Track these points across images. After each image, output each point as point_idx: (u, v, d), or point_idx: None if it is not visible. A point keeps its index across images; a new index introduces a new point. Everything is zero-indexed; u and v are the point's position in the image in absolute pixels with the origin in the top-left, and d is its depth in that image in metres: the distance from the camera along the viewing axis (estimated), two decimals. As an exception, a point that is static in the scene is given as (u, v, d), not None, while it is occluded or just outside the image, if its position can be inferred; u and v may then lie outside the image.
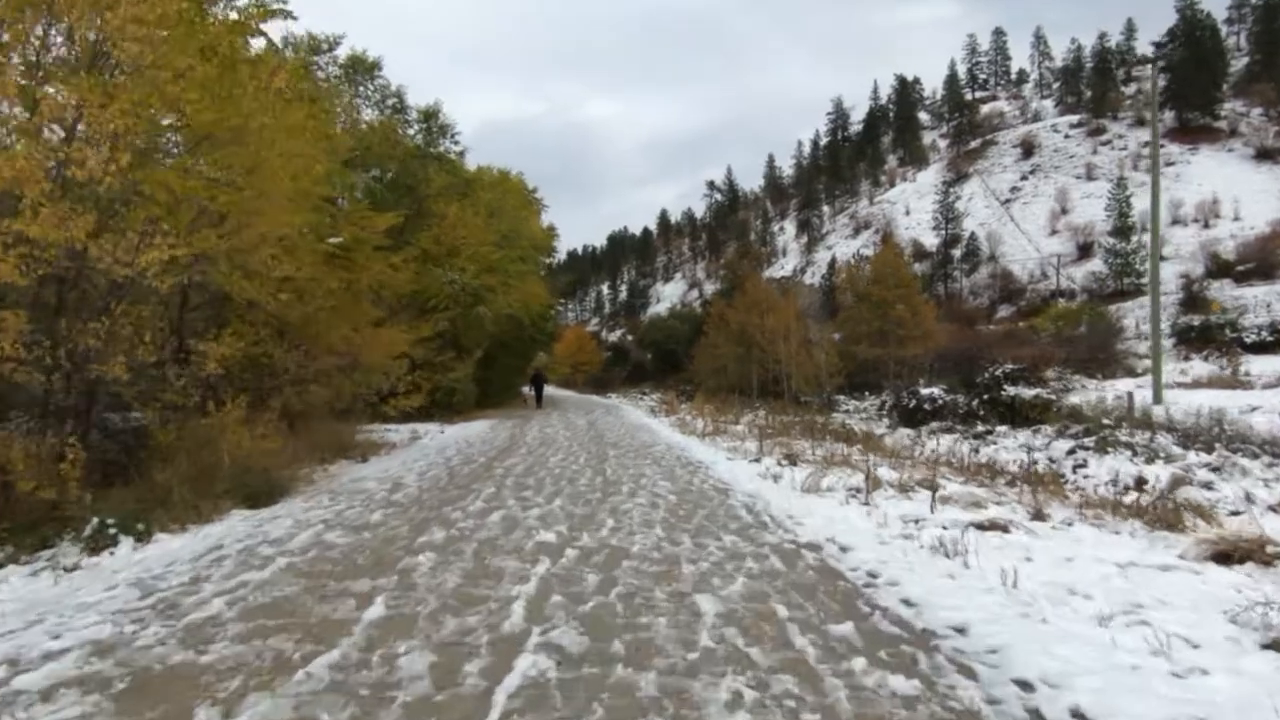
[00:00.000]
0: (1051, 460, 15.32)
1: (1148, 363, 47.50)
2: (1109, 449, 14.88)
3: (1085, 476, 14.13)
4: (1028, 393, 21.98)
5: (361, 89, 22.07)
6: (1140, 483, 13.79)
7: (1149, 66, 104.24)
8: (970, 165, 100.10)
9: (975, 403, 22.74)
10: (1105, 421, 16.76)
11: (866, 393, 36.64)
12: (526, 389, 31.60)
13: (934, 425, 21.22)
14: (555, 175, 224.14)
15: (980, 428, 19.71)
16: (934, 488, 10.16)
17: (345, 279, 12.86)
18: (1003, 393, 22.55)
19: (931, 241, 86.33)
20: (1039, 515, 8.42)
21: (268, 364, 10.85)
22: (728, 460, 12.64)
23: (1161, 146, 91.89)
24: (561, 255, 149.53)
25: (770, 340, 41.62)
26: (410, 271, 21.16)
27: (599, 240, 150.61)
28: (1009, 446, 16.83)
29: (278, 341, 11.16)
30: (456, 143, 24.06)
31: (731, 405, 27.53)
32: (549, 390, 60.61)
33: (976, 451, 17.34)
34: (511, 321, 24.31)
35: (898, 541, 6.69)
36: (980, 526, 7.30)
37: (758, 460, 12.74)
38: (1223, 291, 59.53)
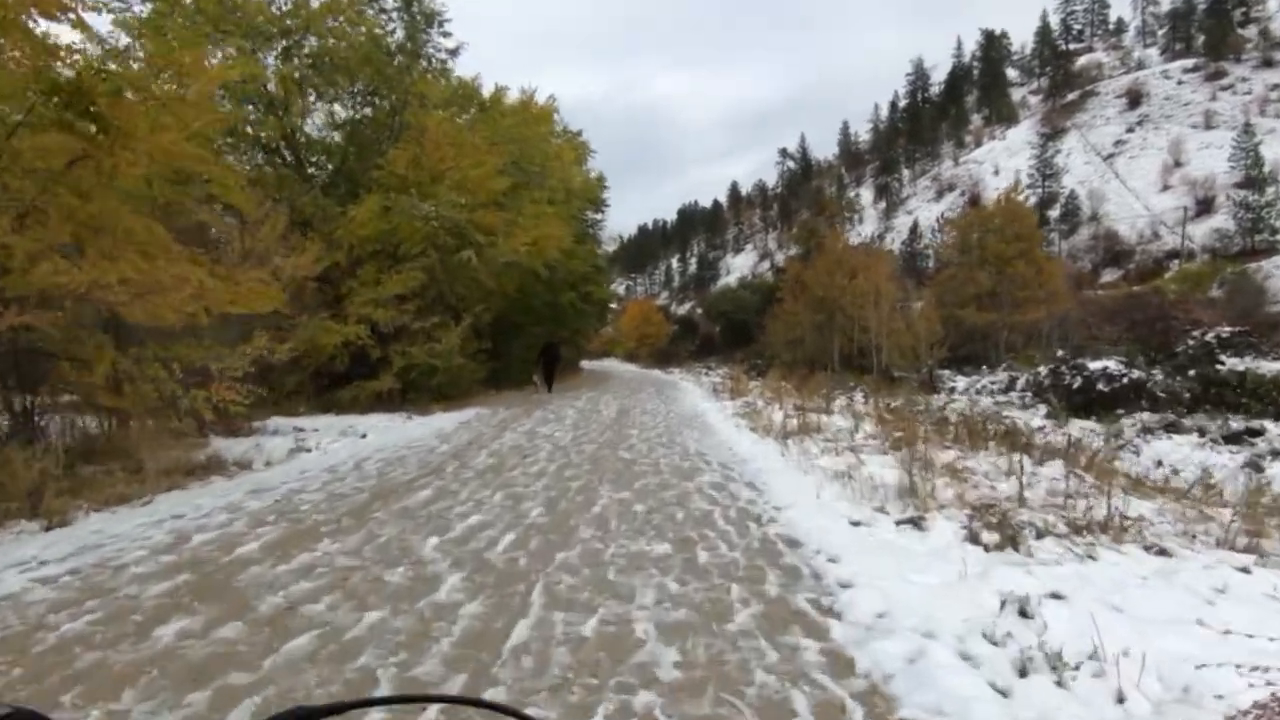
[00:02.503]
0: None
1: (1312, 329, 38.16)
2: None
3: None
4: (1270, 366, 13.98)
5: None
6: None
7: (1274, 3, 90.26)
8: (1068, 119, 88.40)
9: (1177, 380, 14.87)
10: None
11: (983, 366, 28.65)
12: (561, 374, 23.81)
13: (1139, 417, 13.45)
14: (625, 153, 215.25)
15: (1235, 423, 11.92)
16: None
17: (94, 155, 6.18)
18: (1219, 367, 14.63)
19: (1026, 202, 75.91)
20: None
21: None
22: (852, 527, 5.49)
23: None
24: (631, 230, 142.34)
25: (858, 305, 33.86)
26: (375, 205, 14.54)
27: (669, 215, 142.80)
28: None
29: None
30: (447, 34, 17.10)
31: (816, 383, 20.18)
32: (600, 366, 53.76)
33: (1259, 470, 9.69)
34: (520, 273, 17.39)
35: None
36: None
37: (917, 525, 5.58)
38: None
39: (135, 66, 8.60)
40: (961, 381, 27.82)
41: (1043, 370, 21.93)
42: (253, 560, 4.28)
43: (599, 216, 31.67)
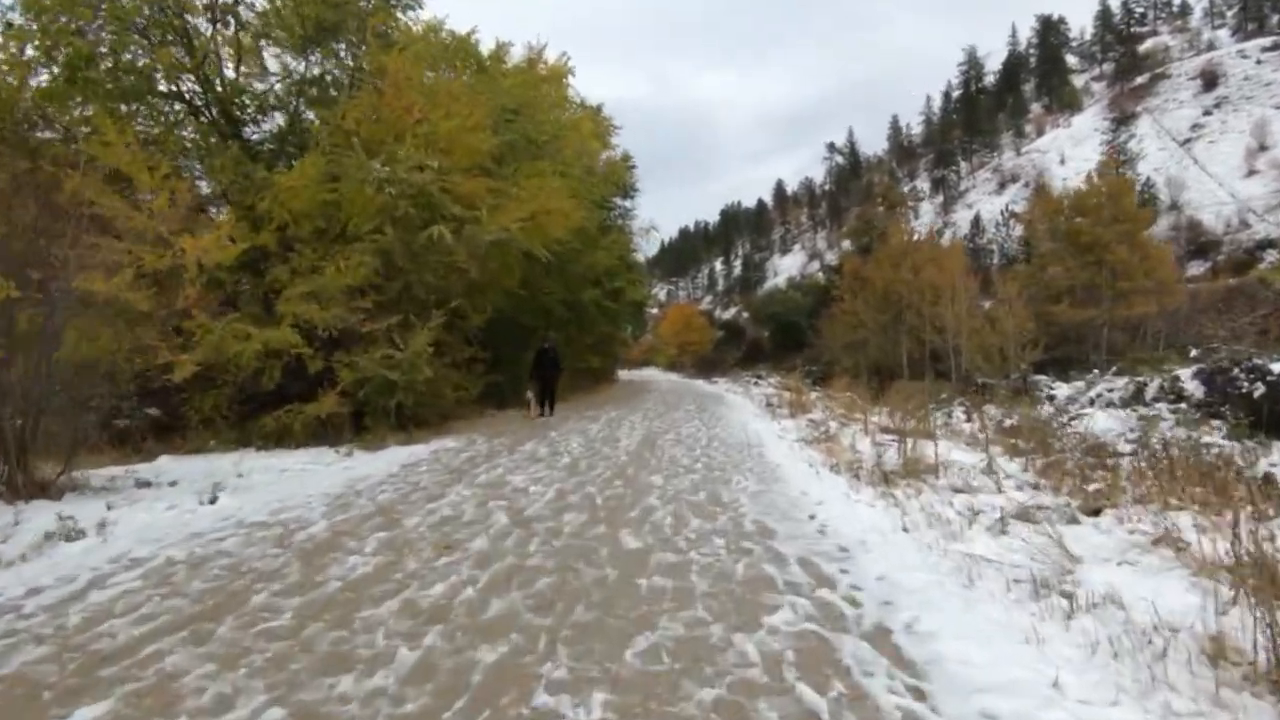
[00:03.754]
0: None
1: None
2: None
3: None
4: None
5: None
6: None
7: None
8: (1137, 104, 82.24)
9: None
10: None
11: (1094, 370, 24.11)
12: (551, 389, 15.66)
13: None
14: (667, 155, 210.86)
15: None
16: None
17: None
18: None
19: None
20: None
21: None
22: None
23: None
24: (672, 232, 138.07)
25: (929, 302, 29.48)
26: (313, 169, 11.00)
27: (711, 217, 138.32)
28: None
29: None
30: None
31: (898, 394, 16.05)
32: (639, 376, 49.08)
33: None
34: (518, 261, 13.68)
35: None
36: None
37: None
38: None
39: None
40: (1063, 389, 23.37)
41: (1184, 374, 17.51)
42: None
43: (628, 203, 27.84)
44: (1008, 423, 13.46)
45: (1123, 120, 77.78)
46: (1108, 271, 26.83)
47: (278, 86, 12.44)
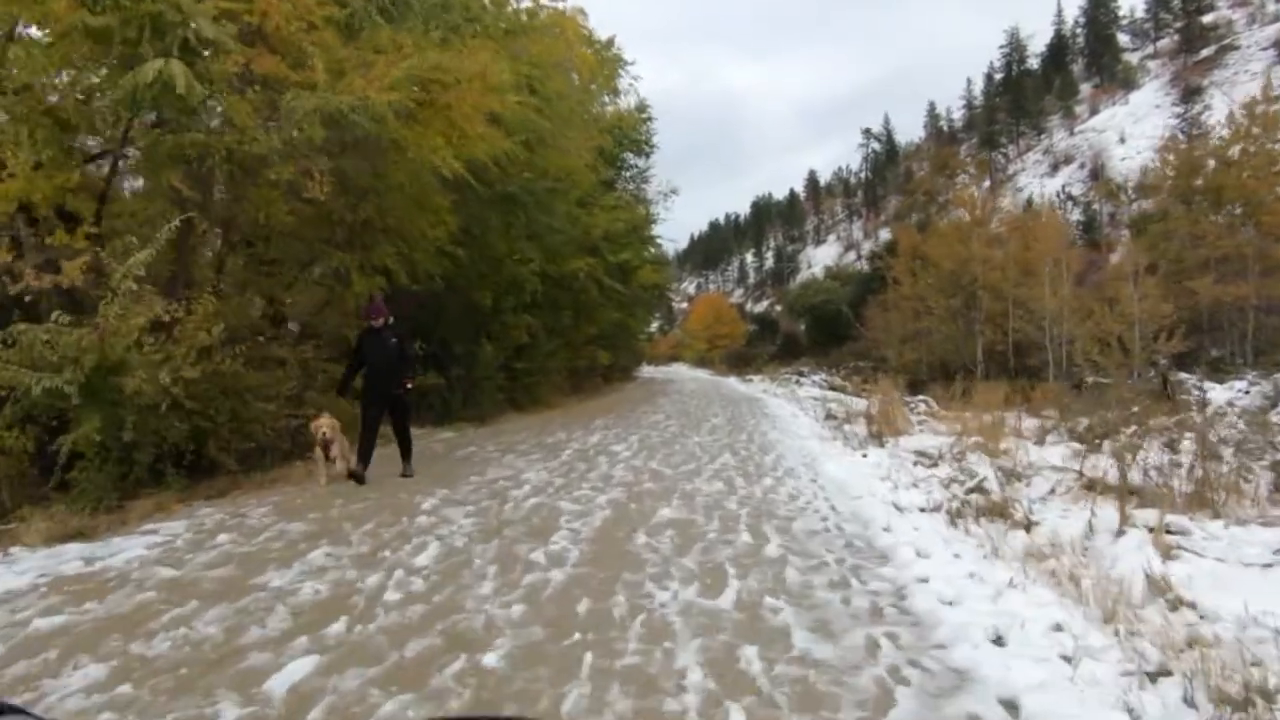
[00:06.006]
0: None
1: None
2: None
3: None
4: None
5: None
6: None
7: None
8: (1204, 77, 74.16)
9: None
10: None
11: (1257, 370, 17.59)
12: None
13: None
14: (698, 147, 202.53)
15: None
16: None
17: None
18: None
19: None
20: None
21: None
22: None
23: None
24: (703, 225, 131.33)
25: (1012, 283, 23.11)
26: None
27: (742, 209, 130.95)
28: None
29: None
30: None
31: (1071, 402, 9.80)
32: (664, 372, 41.11)
33: None
34: (414, 169, 7.70)
35: None
36: None
37: None
38: None
39: None
40: (1218, 393, 16.90)
41: None
42: None
43: (643, 162, 21.77)
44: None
45: (1186, 96, 69.81)
46: (1259, 236, 20.25)
47: None
